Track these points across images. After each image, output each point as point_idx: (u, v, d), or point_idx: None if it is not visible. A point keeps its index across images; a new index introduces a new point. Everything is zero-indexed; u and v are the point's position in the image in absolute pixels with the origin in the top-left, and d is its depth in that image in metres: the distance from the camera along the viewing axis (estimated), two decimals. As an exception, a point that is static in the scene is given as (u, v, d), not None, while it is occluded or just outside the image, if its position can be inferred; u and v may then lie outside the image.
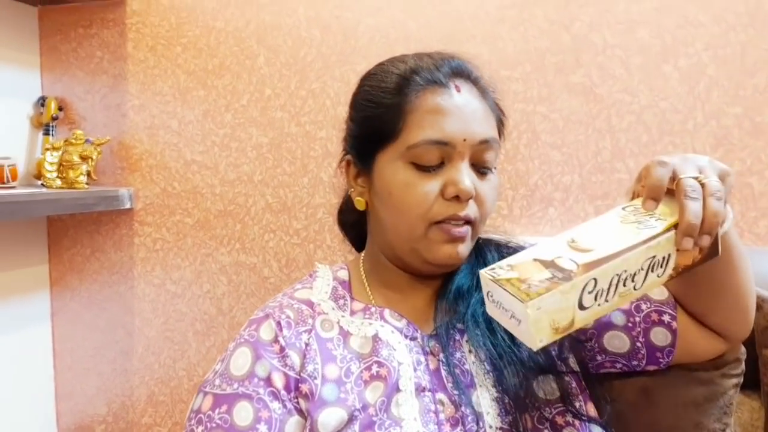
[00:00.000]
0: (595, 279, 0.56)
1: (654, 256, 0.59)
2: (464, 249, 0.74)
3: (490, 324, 0.74)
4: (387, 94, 0.75)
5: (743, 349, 0.95)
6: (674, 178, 0.61)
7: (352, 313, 0.77)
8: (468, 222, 0.73)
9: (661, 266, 0.60)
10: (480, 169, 0.74)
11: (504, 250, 0.83)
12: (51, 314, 1.57)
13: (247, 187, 1.41)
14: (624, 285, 0.58)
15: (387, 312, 0.77)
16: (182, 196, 1.47)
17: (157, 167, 1.48)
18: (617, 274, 0.57)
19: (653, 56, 1.17)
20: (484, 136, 0.73)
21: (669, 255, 0.60)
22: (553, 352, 0.76)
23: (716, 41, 1.14)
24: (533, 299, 0.53)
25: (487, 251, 0.82)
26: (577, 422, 0.71)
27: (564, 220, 1.23)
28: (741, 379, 0.95)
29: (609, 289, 0.57)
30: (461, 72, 0.75)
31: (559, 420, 0.71)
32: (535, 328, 0.54)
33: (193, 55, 1.44)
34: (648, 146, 1.18)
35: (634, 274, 0.58)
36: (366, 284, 0.81)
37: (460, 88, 0.73)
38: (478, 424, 0.68)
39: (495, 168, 0.76)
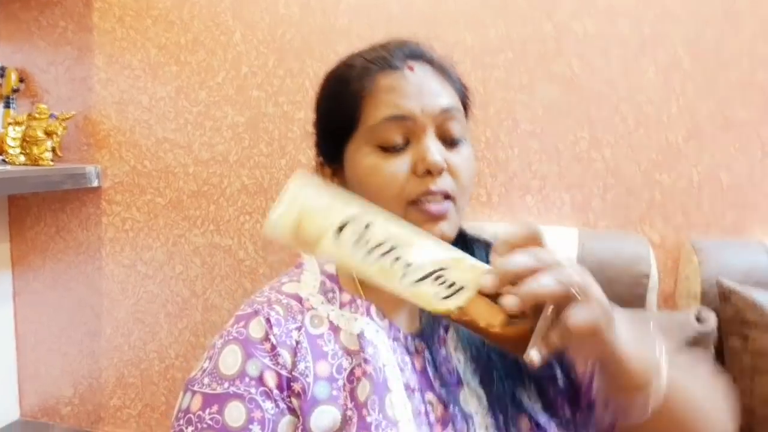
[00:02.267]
0: (369, 223, 0.51)
1: (443, 269, 0.53)
2: (448, 226, 0.72)
3: None
4: (343, 85, 0.75)
5: (715, 333, 1.01)
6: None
7: (341, 305, 0.76)
8: (447, 197, 0.71)
9: (447, 288, 0.52)
10: (448, 141, 0.73)
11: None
12: (13, 294, 1.52)
13: (222, 167, 1.39)
14: (393, 260, 0.52)
15: (373, 309, 0.75)
16: (153, 175, 1.42)
17: (126, 144, 1.43)
18: (394, 245, 0.51)
19: (632, 48, 1.19)
20: (443, 105, 0.72)
21: (462, 287, 0.52)
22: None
23: (692, 36, 1.17)
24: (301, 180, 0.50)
25: (475, 248, 0.83)
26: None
27: (541, 208, 1.25)
28: (710, 364, 1.01)
29: (375, 248, 0.51)
30: (414, 54, 0.75)
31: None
32: (287, 207, 0.50)
33: (165, 29, 1.38)
34: (624, 137, 1.21)
35: (410, 264, 0.52)
36: (352, 276, 0.79)
37: (414, 67, 0.73)
38: (467, 423, 0.69)
39: (466, 139, 0.75)
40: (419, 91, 0.72)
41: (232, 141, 1.37)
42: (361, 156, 0.73)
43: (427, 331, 0.74)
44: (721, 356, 1.05)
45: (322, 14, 1.30)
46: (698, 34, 1.16)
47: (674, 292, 1.19)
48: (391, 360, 0.71)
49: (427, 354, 0.73)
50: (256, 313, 0.72)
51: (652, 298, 1.11)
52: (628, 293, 1.09)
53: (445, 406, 0.69)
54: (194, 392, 0.69)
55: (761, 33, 1.15)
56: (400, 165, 0.70)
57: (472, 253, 0.81)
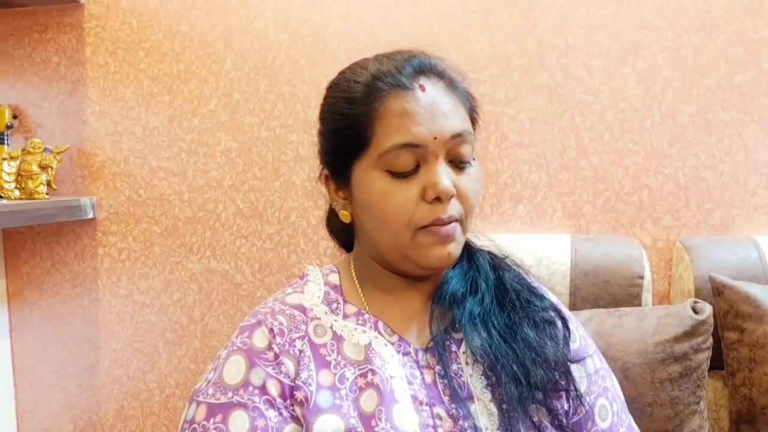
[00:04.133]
0: None
1: None
2: (455, 247, 0.73)
3: (487, 328, 0.74)
4: (351, 104, 0.74)
5: (711, 321, 1.02)
6: None
7: (345, 316, 0.76)
8: (456, 221, 0.72)
9: None
10: (458, 164, 0.73)
11: (497, 262, 0.82)
12: (9, 330, 1.51)
13: (216, 192, 1.40)
14: None
15: (381, 324, 0.76)
16: (148, 203, 1.44)
17: (120, 175, 1.44)
18: None
19: (612, 59, 1.23)
20: (456, 130, 0.71)
21: None
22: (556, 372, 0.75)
23: (670, 44, 1.21)
24: None
25: (480, 257, 0.83)
26: None
27: (533, 216, 1.27)
28: (710, 353, 1.02)
29: None
30: (424, 69, 0.73)
31: None
32: None
33: (157, 60, 1.41)
34: (610, 144, 1.24)
35: None
36: (358, 288, 0.80)
37: (425, 86, 0.72)
38: None
39: (473, 159, 0.75)
40: (431, 115, 0.71)
41: (226, 166, 1.39)
42: (371, 180, 0.72)
43: (438, 345, 0.74)
44: (719, 350, 1.06)
45: (311, 40, 1.34)
46: (676, 42, 1.21)
47: (669, 291, 1.21)
48: (399, 372, 0.71)
49: (438, 368, 0.73)
50: (259, 323, 0.73)
51: (647, 298, 1.12)
52: (623, 294, 1.11)
53: (455, 421, 0.69)
54: (199, 402, 0.69)
55: (736, 39, 1.19)
56: (411, 192, 0.70)
57: (477, 262, 0.81)
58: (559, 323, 0.78)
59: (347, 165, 0.75)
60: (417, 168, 0.71)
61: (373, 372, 0.70)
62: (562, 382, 0.73)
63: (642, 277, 1.12)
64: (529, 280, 0.82)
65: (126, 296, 1.46)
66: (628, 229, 1.23)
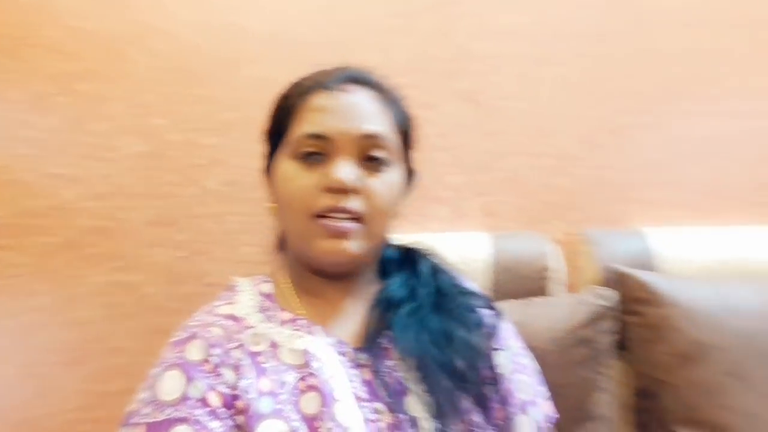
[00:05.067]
0: None
1: None
2: (352, 246, 0.74)
3: (419, 328, 0.76)
4: (281, 102, 0.81)
5: (615, 306, 1.10)
6: None
7: (282, 323, 0.77)
8: (355, 218, 0.73)
9: None
10: (371, 165, 0.76)
11: (437, 268, 0.86)
12: None
13: (124, 200, 1.31)
14: None
15: (317, 328, 0.77)
16: (44, 214, 1.31)
17: (9, 183, 1.31)
18: None
19: (528, 65, 1.30)
20: (369, 131, 0.75)
21: None
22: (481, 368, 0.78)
23: (580, 53, 1.31)
24: None
25: (422, 264, 0.86)
26: None
27: (453, 216, 1.31)
28: (615, 336, 1.10)
29: None
30: (354, 78, 0.79)
31: None
32: None
33: (56, 59, 1.30)
34: (526, 147, 1.30)
35: None
36: (293, 294, 0.81)
37: (348, 90, 0.77)
38: (415, 427, 0.70)
39: (394, 165, 0.78)
40: (347, 114, 0.75)
41: (135, 172, 1.31)
42: (282, 166, 0.77)
43: (372, 344, 0.76)
44: (623, 334, 1.14)
45: (227, 40, 1.30)
46: (585, 52, 1.30)
47: (577, 282, 1.28)
48: (338, 372, 0.73)
49: (373, 366, 0.74)
50: (193, 336, 0.72)
51: (556, 288, 1.18)
52: (535, 286, 1.18)
53: (393, 413, 0.71)
54: (135, 424, 0.66)
55: (636, 51, 1.31)
56: (311, 178, 0.74)
57: (418, 269, 0.83)
58: (490, 322, 0.82)
59: (272, 156, 0.81)
60: (324, 160, 0.74)
61: (313, 375, 0.71)
62: (489, 374, 0.77)
63: (553, 270, 1.18)
64: (465, 284, 0.87)
65: (15, 316, 1.31)
66: (541, 226, 1.30)
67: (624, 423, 1.12)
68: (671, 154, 1.33)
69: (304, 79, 0.82)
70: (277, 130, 0.80)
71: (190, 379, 0.68)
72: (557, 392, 1.01)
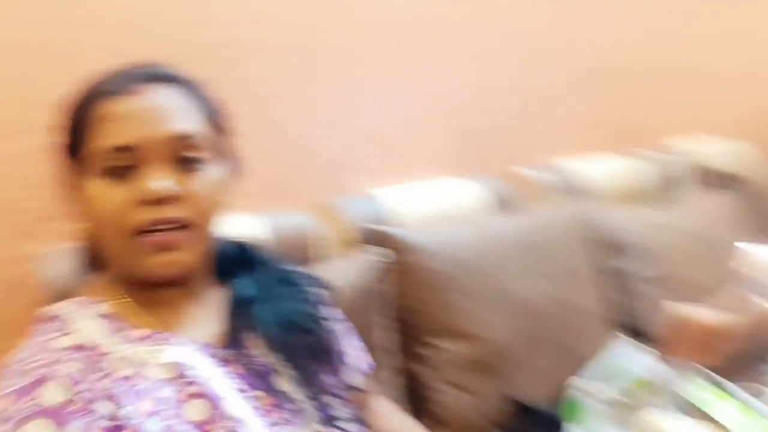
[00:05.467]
0: None
1: None
2: (184, 255, 0.73)
3: (276, 319, 0.84)
4: (73, 112, 0.76)
5: (385, 260, 1.32)
6: None
7: (140, 341, 0.75)
8: (181, 226, 0.72)
9: None
10: (185, 166, 0.74)
11: (273, 258, 0.93)
12: None
13: None
14: None
15: (176, 337, 0.77)
16: None
17: None
18: None
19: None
20: (178, 131, 0.72)
21: None
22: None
23: (292, 41, 1.45)
24: None
25: (259, 258, 0.91)
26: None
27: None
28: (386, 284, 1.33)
29: None
30: (152, 77, 0.76)
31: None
32: None
33: None
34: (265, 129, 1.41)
35: None
36: (136, 309, 0.78)
37: (143, 91, 0.73)
38: (291, 402, 0.79)
39: (211, 162, 0.76)
40: (148, 116, 0.72)
41: None
42: (90, 185, 0.73)
43: (235, 339, 0.81)
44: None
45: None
46: (296, 42, 1.45)
47: (338, 245, 1.46)
48: (214, 373, 0.75)
49: (241, 359, 0.80)
50: (42, 379, 0.66)
51: (326, 253, 1.34)
52: (310, 254, 1.31)
53: (271, 396, 0.79)
54: None
55: (334, 29, 1.51)
56: (123, 193, 0.70)
57: (260, 265, 0.89)
58: (324, 296, 0.94)
59: (76, 175, 0.76)
60: (134, 171, 0.71)
61: (192, 383, 0.73)
62: (332, 340, 0.91)
63: (319, 238, 1.34)
64: (296, 268, 0.96)
65: None
66: (303, 200, 1.42)
67: (395, 344, 1.36)
68: (381, 124, 1.60)
69: (95, 85, 0.76)
70: (74, 146, 0.75)
71: (61, 425, 0.63)
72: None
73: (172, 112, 0.74)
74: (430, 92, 1.67)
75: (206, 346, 0.79)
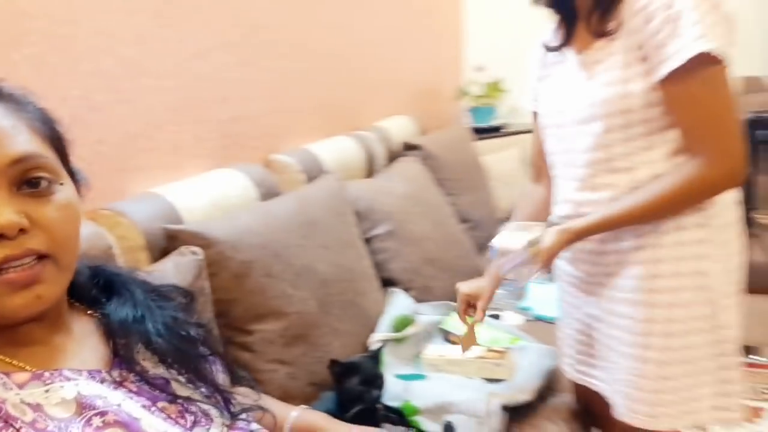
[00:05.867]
0: None
1: None
2: (45, 289, 0.68)
3: (157, 333, 0.82)
4: None
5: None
6: None
7: (22, 386, 0.68)
8: (39, 257, 0.66)
9: None
10: (34, 191, 0.67)
11: (133, 276, 0.89)
12: None
13: None
14: None
15: (64, 372, 0.72)
16: None
17: None
18: None
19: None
20: (15, 154, 0.65)
21: None
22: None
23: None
24: None
25: (120, 279, 0.87)
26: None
27: None
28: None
29: None
30: None
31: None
32: None
33: None
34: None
35: None
36: (3, 354, 0.71)
37: None
38: (195, 406, 0.81)
39: (61, 182, 0.70)
40: None
41: None
42: None
43: (121, 359, 0.80)
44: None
45: None
46: (55, 32, 1.31)
47: (131, 250, 1.37)
48: (117, 397, 0.73)
49: (132, 376, 0.79)
50: None
51: (125, 260, 1.28)
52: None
53: (174, 402, 0.80)
54: None
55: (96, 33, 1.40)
56: None
57: (124, 287, 0.85)
58: (187, 302, 0.96)
59: None
60: None
61: (98, 413, 0.71)
62: (208, 348, 0.93)
63: (114, 246, 1.26)
64: (155, 280, 0.94)
65: None
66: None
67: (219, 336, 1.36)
68: (143, 123, 1.53)
69: None
70: None
71: None
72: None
73: (10, 134, 0.65)
74: (181, 86, 1.65)
75: (96, 373, 0.75)
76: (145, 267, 1.25)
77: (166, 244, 1.35)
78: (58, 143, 0.74)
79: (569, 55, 1.29)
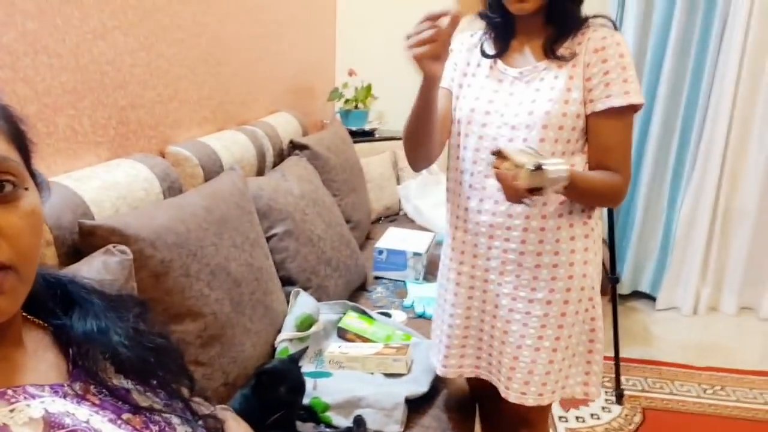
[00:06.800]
0: None
1: None
2: (8, 301, 0.65)
3: (118, 344, 0.80)
4: None
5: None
6: None
7: None
8: (1, 268, 0.62)
9: None
10: None
11: (90, 288, 0.85)
12: None
13: None
14: None
15: (27, 388, 0.69)
16: None
17: None
18: None
19: None
20: None
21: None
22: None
23: None
24: None
25: (76, 291, 0.83)
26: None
27: None
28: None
29: None
30: None
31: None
32: None
33: None
34: None
35: None
36: None
37: None
38: (158, 415, 0.80)
39: (26, 188, 0.66)
40: None
41: None
42: None
43: (81, 373, 0.78)
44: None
45: None
46: None
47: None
48: (83, 413, 0.71)
49: (92, 388, 0.77)
50: None
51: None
52: None
53: (137, 413, 0.79)
54: None
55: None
56: None
57: (68, 294, 0.80)
58: (143, 311, 0.93)
59: None
60: None
61: (72, 430, 0.69)
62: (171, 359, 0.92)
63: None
64: (108, 290, 0.91)
65: None
66: None
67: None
68: (41, 105, 1.39)
69: None
70: None
71: None
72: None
73: None
74: (81, 67, 1.52)
75: (58, 387, 0.72)
76: (68, 266, 1.15)
77: (79, 239, 1.25)
78: (22, 144, 0.69)
79: (500, 66, 1.44)
